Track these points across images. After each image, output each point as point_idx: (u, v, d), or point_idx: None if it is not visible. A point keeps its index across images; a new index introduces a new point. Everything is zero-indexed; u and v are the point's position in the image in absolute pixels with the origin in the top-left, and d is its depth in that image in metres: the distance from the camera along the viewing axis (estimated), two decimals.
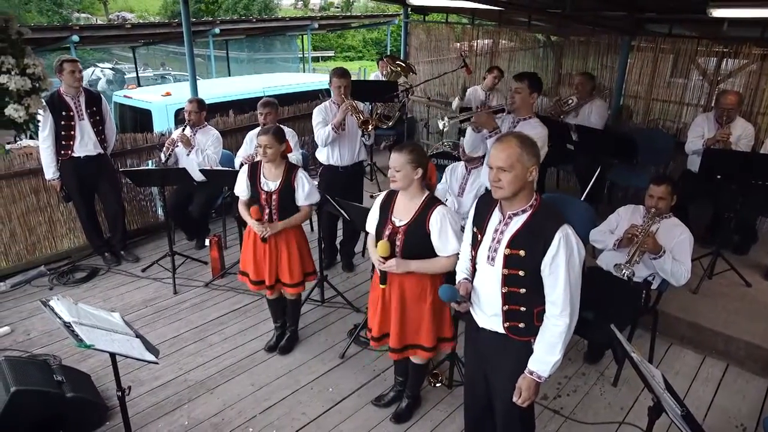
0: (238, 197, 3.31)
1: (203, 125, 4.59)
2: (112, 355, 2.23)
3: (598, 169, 4.34)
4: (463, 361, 2.93)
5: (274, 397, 3.12)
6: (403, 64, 6.30)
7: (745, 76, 4.93)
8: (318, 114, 4.00)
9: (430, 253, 2.47)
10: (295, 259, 3.25)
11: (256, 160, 3.55)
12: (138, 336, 2.38)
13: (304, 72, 15.57)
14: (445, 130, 3.44)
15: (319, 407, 3.05)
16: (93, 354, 3.34)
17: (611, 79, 5.69)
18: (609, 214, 3.54)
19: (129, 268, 4.58)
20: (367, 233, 2.72)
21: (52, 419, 2.67)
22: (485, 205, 2.12)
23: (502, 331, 2.09)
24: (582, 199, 4.19)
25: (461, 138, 3.70)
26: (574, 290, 1.94)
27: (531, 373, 2.02)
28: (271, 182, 3.14)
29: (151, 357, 2.28)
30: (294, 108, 6.41)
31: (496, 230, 2.04)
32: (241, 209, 3.28)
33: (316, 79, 8.25)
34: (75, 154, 4.22)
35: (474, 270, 2.17)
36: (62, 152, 4.20)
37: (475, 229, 2.14)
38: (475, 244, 2.13)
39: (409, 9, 7.42)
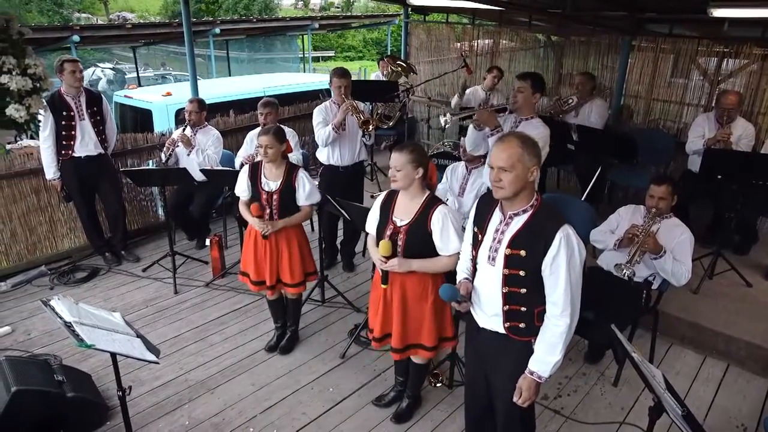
0: (238, 197, 3.31)
1: (204, 125, 4.59)
2: (113, 355, 2.23)
3: (599, 169, 4.34)
4: (463, 361, 2.93)
5: (275, 397, 3.12)
6: (404, 64, 6.31)
7: (746, 76, 4.93)
8: (318, 114, 4.00)
9: (431, 252, 2.47)
10: (296, 259, 3.25)
11: (256, 160, 3.55)
12: (139, 336, 2.38)
13: (304, 72, 15.57)
14: (446, 126, 3.44)
15: (320, 407, 3.05)
16: (94, 354, 3.34)
17: (612, 79, 5.69)
18: (609, 214, 3.54)
19: (129, 268, 4.58)
20: (367, 233, 2.72)
21: (53, 419, 2.67)
22: (486, 205, 2.12)
23: (502, 331, 2.09)
24: (582, 199, 4.19)
25: (461, 138, 3.70)
26: (575, 290, 1.94)
27: (531, 373, 2.02)
28: (271, 182, 3.14)
29: (151, 357, 2.28)
30: (294, 108, 6.41)
31: (496, 230, 2.04)
32: (242, 209, 3.28)
33: (317, 79, 8.25)
34: (76, 154, 4.22)
35: (474, 270, 2.17)
36: (63, 152, 4.21)
37: (475, 229, 2.14)
38: (476, 244, 2.13)
39: (410, 9, 7.42)
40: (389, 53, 10.08)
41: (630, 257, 3.08)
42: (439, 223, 2.42)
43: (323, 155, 4.15)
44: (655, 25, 5.87)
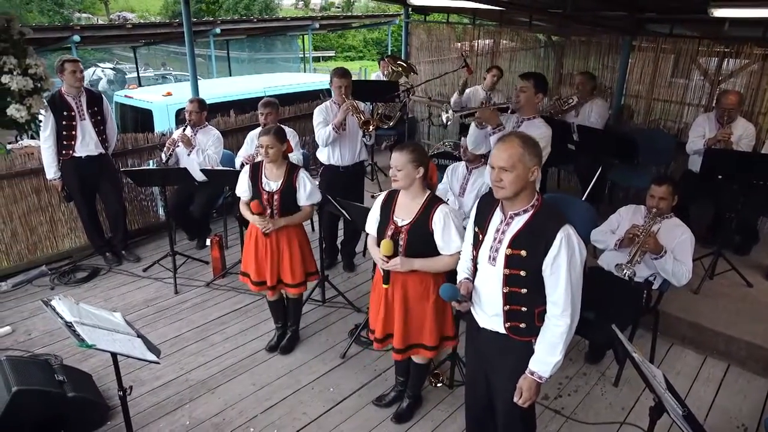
0: (239, 197, 3.31)
1: (204, 125, 4.59)
2: (114, 355, 2.23)
3: (599, 169, 4.34)
4: (464, 361, 2.93)
5: (275, 397, 3.12)
6: (404, 64, 6.31)
7: (746, 76, 4.93)
8: (319, 114, 4.00)
9: (432, 251, 2.48)
10: (297, 259, 3.26)
11: (257, 160, 3.55)
12: (139, 336, 2.38)
13: (304, 72, 15.57)
14: (449, 123, 3.43)
15: (320, 407, 3.05)
16: (94, 354, 3.34)
17: (612, 79, 5.69)
18: (610, 214, 3.54)
19: (130, 268, 4.58)
20: (367, 234, 2.72)
21: (54, 419, 2.67)
22: (487, 204, 2.12)
23: (503, 331, 2.09)
24: (583, 199, 4.19)
25: (462, 138, 3.70)
26: (576, 290, 1.94)
27: (532, 373, 2.02)
28: (272, 182, 3.14)
29: (152, 357, 2.28)
30: (295, 108, 6.41)
31: (497, 230, 2.04)
32: (243, 209, 3.27)
33: (317, 79, 8.26)
34: (76, 154, 4.22)
35: (475, 270, 2.17)
36: (63, 152, 4.21)
37: (476, 229, 2.14)
38: (477, 244, 2.13)
39: (410, 9, 7.42)
40: (390, 53, 10.06)
41: (631, 257, 3.08)
42: (441, 222, 2.42)
43: (323, 155, 4.16)
44: (656, 25, 5.87)
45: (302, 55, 18.29)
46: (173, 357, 3.45)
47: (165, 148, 4.42)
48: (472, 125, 3.37)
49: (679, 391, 2.03)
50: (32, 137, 4.57)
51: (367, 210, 2.73)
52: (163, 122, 5.85)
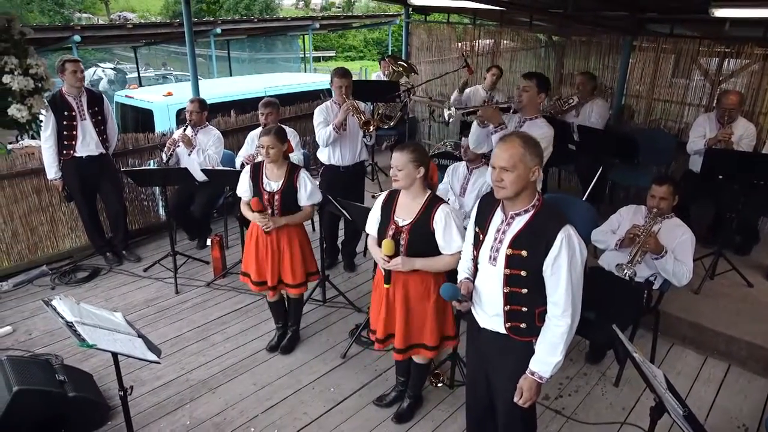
0: (240, 197, 3.31)
1: (204, 125, 4.60)
2: (114, 355, 2.23)
3: (600, 169, 4.34)
4: (464, 361, 2.93)
5: (276, 397, 3.12)
6: (405, 64, 6.31)
7: (747, 76, 4.93)
8: (319, 114, 4.00)
9: (434, 251, 2.48)
10: (298, 259, 3.26)
11: (257, 160, 3.55)
12: (140, 336, 2.38)
13: (305, 72, 15.57)
14: (450, 120, 3.43)
15: (321, 407, 3.05)
16: (95, 354, 3.34)
17: (613, 79, 5.69)
18: (611, 214, 3.54)
19: (131, 268, 4.58)
20: (368, 234, 2.72)
21: (54, 419, 2.67)
22: (487, 204, 2.12)
23: (503, 331, 2.09)
24: (584, 199, 4.18)
25: (463, 137, 3.70)
26: (576, 291, 1.94)
27: (532, 373, 2.02)
28: (273, 183, 3.14)
29: (153, 357, 2.28)
30: (295, 108, 6.41)
31: (498, 230, 2.04)
32: (244, 210, 3.27)
33: (318, 79, 8.26)
34: (77, 154, 4.23)
35: (476, 270, 2.17)
36: (64, 152, 4.21)
37: (477, 229, 2.14)
38: (477, 244, 2.12)
39: (411, 9, 7.42)
40: (390, 53, 10.07)
41: (631, 257, 3.08)
42: (442, 222, 2.42)
43: (324, 155, 4.16)
44: (657, 25, 5.87)
45: (303, 55, 18.29)
46: (174, 357, 3.45)
47: (165, 148, 4.42)
48: (474, 124, 3.37)
49: (680, 391, 2.03)
50: (33, 137, 4.58)
51: (368, 210, 2.74)
52: (163, 122, 5.85)
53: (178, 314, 3.95)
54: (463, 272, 2.27)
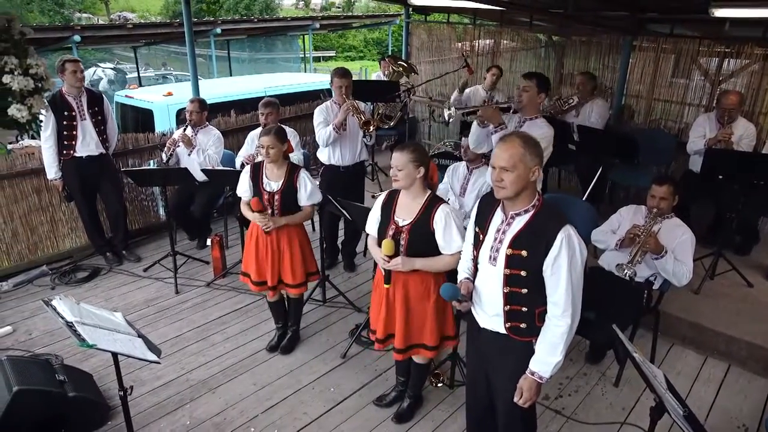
0: (240, 197, 3.31)
1: (205, 125, 4.60)
2: (114, 355, 2.23)
3: (600, 169, 4.34)
4: (464, 361, 2.93)
5: (276, 397, 3.12)
6: (405, 64, 6.31)
7: (747, 76, 4.93)
8: (319, 114, 4.00)
9: (434, 251, 2.48)
10: (298, 259, 3.26)
11: (257, 160, 3.55)
12: (140, 336, 2.38)
13: (305, 72, 15.57)
14: (450, 120, 3.43)
15: (321, 407, 3.05)
16: (95, 354, 3.35)
17: (613, 79, 5.69)
18: (611, 214, 3.54)
19: (131, 268, 4.58)
20: (368, 234, 2.72)
21: (54, 419, 2.67)
22: (487, 204, 2.12)
23: (503, 331, 2.09)
24: (584, 199, 4.19)
25: (463, 137, 3.70)
26: (576, 291, 1.94)
27: (532, 373, 2.02)
28: (273, 183, 3.14)
29: (153, 357, 2.29)
30: (295, 108, 6.41)
31: (498, 230, 2.04)
32: (244, 210, 3.27)
33: (318, 79, 8.25)
34: (77, 154, 4.23)
35: (475, 270, 2.17)
36: (64, 152, 4.21)
37: (477, 229, 2.14)
38: (477, 244, 2.12)
39: (411, 9, 7.42)
40: (390, 53, 10.07)
41: (631, 257, 3.08)
42: (442, 222, 2.42)
43: (324, 155, 4.16)
44: (657, 25, 5.87)
45: (303, 55, 18.29)
46: (174, 357, 3.45)
47: (165, 148, 4.42)
48: (474, 123, 3.37)
49: (680, 392, 2.03)
50: (33, 137, 4.58)
51: (368, 210, 2.74)
52: (163, 122, 5.85)
53: (178, 314, 3.95)
54: (463, 272, 2.27)
